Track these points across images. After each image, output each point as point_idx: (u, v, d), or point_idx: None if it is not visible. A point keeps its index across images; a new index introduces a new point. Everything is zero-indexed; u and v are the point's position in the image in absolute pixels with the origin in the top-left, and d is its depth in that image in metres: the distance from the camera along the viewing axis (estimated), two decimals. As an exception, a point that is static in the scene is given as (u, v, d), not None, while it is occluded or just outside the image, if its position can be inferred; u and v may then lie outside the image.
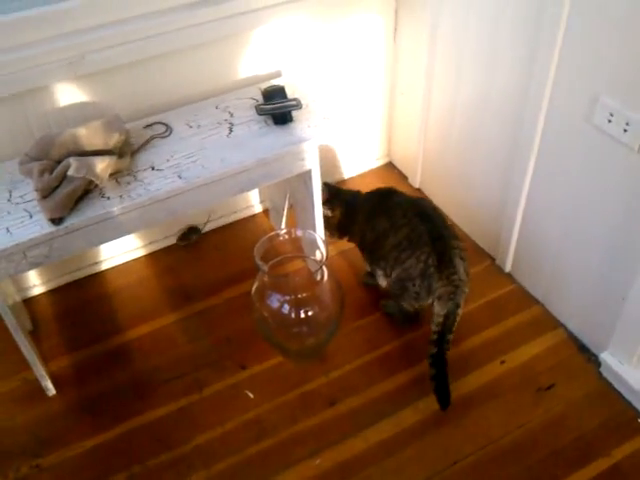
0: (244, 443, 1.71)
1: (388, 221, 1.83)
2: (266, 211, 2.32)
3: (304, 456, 1.68)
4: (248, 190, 1.75)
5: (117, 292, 2.11)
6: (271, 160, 1.69)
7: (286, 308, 1.72)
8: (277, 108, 1.75)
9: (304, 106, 1.78)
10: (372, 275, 1.96)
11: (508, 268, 2.07)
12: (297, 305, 1.72)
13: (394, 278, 1.83)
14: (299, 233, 1.72)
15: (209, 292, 2.07)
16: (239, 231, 2.27)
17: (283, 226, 2.14)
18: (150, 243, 2.19)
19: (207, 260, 2.18)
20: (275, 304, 1.72)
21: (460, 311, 1.74)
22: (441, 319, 1.72)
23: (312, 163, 1.76)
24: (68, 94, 1.76)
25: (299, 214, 2.02)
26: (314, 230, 1.88)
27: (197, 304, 2.04)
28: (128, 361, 1.91)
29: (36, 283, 2.07)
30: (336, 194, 1.98)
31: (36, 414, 1.80)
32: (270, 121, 1.77)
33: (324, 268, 1.71)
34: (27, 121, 1.74)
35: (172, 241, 2.23)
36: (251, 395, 1.81)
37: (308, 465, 1.66)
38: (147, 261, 2.19)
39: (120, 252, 2.15)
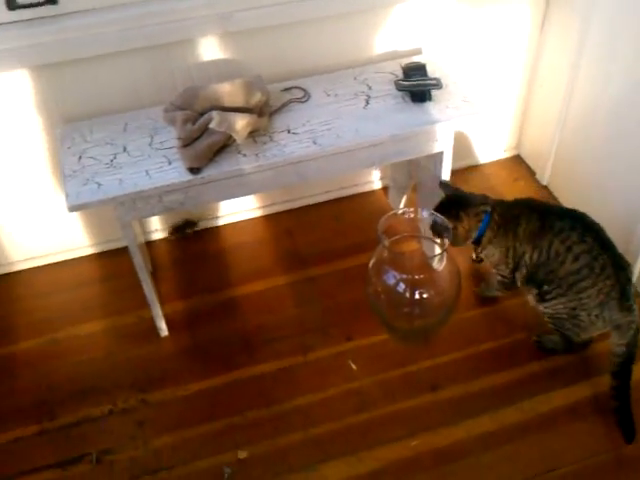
0: (344, 412, 1.73)
1: (562, 244, 1.66)
2: (385, 188, 2.31)
3: (401, 435, 1.68)
4: (378, 164, 1.75)
5: (234, 248, 2.16)
6: (405, 137, 1.68)
7: (401, 287, 1.71)
8: (417, 85, 1.73)
9: (444, 86, 1.75)
10: (488, 287, 1.91)
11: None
12: (413, 285, 1.71)
13: (563, 305, 1.70)
14: (425, 214, 1.70)
15: (323, 260, 2.09)
16: (356, 205, 2.27)
17: (402, 205, 2.13)
18: (272, 204, 2.23)
19: (324, 229, 2.20)
20: (391, 281, 1.72)
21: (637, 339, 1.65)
22: (623, 349, 1.64)
23: (445, 145, 1.74)
24: (212, 50, 1.80)
25: (422, 196, 2.00)
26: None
27: (310, 270, 2.06)
28: (237, 315, 1.97)
29: (158, 228, 2.16)
30: (458, 201, 1.76)
31: (148, 351, 1.89)
32: (408, 98, 1.75)
33: (444, 253, 1.69)
34: (171, 72, 1.80)
35: (293, 205, 2.26)
36: (354, 366, 1.82)
37: (404, 445, 1.66)
38: (266, 222, 2.23)
39: (241, 209, 2.20)
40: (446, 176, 1.80)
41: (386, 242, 1.65)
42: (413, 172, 2.02)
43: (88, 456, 1.67)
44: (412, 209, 1.71)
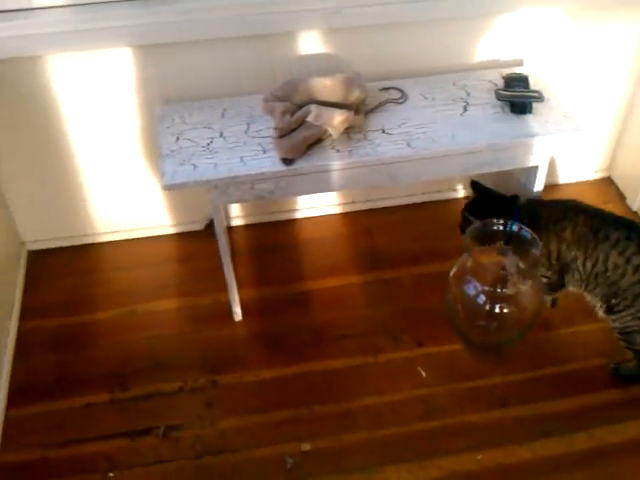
0: (410, 417, 1.72)
1: (620, 256, 1.62)
2: (468, 197, 2.28)
3: (466, 447, 1.66)
4: (470, 172, 1.73)
5: (311, 242, 2.18)
6: (502, 147, 1.66)
7: (481, 299, 1.69)
8: (518, 96, 1.71)
9: (545, 100, 1.72)
10: None
11: None
12: (493, 299, 1.69)
13: (631, 316, 1.66)
14: (515, 227, 1.67)
15: (399, 263, 2.08)
16: (438, 211, 2.25)
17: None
18: (353, 202, 2.23)
19: (403, 231, 2.19)
20: (471, 291, 1.70)
21: None
22: None
23: (541, 160, 1.70)
24: (314, 44, 1.81)
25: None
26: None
27: (385, 271, 2.05)
28: (310, 308, 1.98)
29: (238, 215, 2.19)
30: (489, 202, 1.78)
31: (221, 334, 1.92)
32: (507, 108, 1.73)
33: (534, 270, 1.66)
34: (272, 62, 1.82)
35: (374, 205, 2.25)
36: (423, 373, 1.81)
37: (469, 458, 1.65)
38: (345, 219, 2.24)
39: (322, 204, 2.21)
40: (539, 191, 1.77)
41: (472, 251, 1.63)
42: (502, 184, 1.99)
43: (156, 430, 1.71)
44: (501, 221, 1.68)
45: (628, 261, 1.62)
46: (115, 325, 1.95)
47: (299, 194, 1.66)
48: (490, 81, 1.82)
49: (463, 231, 1.76)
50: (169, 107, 1.78)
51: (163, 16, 1.67)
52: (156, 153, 1.87)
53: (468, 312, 1.74)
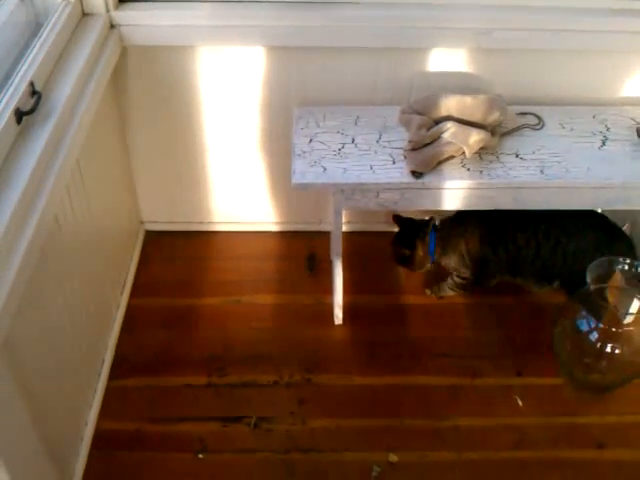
0: (501, 444, 1.71)
1: (524, 233, 1.81)
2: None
3: (557, 484, 1.63)
4: (599, 207, 1.70)
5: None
6: (637, 186, 1.62)
7: (594, 336, 1.66)
8: (660, 136, 1.67)
9: (688, 143, 1.68)
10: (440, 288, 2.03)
11: None
12: (606, 337, 1.65)
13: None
14: (640, 268, 1.64)
15: (508, 289, 2.04)
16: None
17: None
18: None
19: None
20: (584, 327, 1.67)
21: None
22: None
23: (676, 203, 1.66)
24: (457, 62, 1.82)
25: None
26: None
27: (492, 296, 2.04)
28: (412, 322, 1.99)
29: (350, 220, 2.22)
30: (411, 230, 1.93)
31: (320, 335, 1.95)
32: (647, 147, 1.69)
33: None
34: (411, 76, 1.84)
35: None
36: (520, 403, 1.79)
37: (560, 494, 1.62)
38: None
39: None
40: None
41: (592, 287, 1.60)
42: (628, 222, 1.95)
43: (248, 419, 1.75)
44: (627, 260, 1.65)
45: (535, 234, 1.80)
46: (220, 312, 2.01)
47: (423, 207, 1.67)
48: (632, 118, 1.79)
49: (397, 262, 1.98)
50: (305, 109, 1.82)
51: (311, 21, 1.70)
52: (281, 152, 1.94)
53: (577, 348, 1.71)
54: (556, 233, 1.79)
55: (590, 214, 1.82)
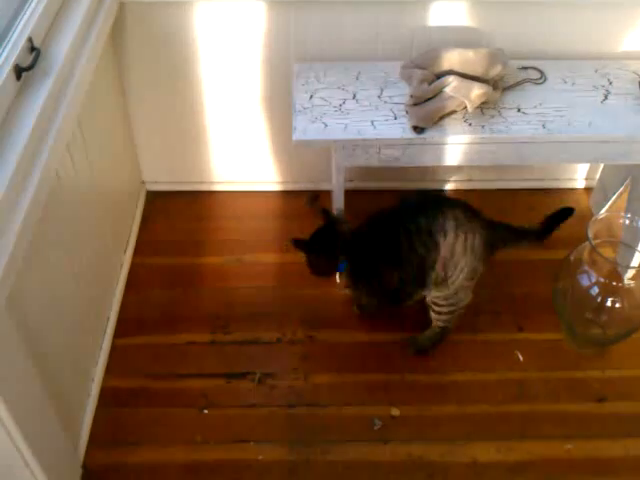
0: (502, 398, 1.73)
1: (406, 240, 1.61)
2: (587, 189, 2.24)
3: (556, 435, 1.66)
4: (602, 162, 1.71)
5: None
6: (639, 140, 1.62)
7: (595, 290, 1.67)
8: (663, 90, 1.66)
9: (692, 97, 1.67)
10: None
11: None
12: (607, 292, 1.66)
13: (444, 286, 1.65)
14: (640, 223, 1.65)
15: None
16: (553, 199, 2.21)
17: (605, 210, 2.05)
18: (469, 180, 2.23)
19: (516, 216, 2.08)
20: (585, 282, 1.68)
21: None
22: None
23: (678, 157, 1.66)
24: (457, 15, 1.80)
25: (634, 203, 1.91)
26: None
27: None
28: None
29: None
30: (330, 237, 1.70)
31: (322, 293, 1.96)
32: (650, 100, 1.68)
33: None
34: (412, 30, 1.82)
35: (488, 185, 2.23)
36: (521, 358, 1.81)
37: (558, 446, 1.64)
38: (459, 195, 2.19)
39: (434, 179, 2.22)
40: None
41: (593, 242, 1.60)
42: (630, 178, 1.94)
43: (252, 375, 1.77)
44: (628, 214, 1.65)
45: (409, 237, 1.60)
46: (222, 271, 2.02)
47: (425, 163, 1.66)
48: (634, 72, 1.78)
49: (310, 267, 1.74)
50: (305, 65, 1.81)
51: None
52: (282, 110, 1.93)
53: (578, 302, 1.72)
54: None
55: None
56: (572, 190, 2.25)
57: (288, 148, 2.05)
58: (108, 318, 1.85)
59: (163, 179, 2.22)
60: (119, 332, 1.86)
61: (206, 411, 1.71)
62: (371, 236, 1.67)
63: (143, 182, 2.23)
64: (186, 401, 1.72)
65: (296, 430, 1.67)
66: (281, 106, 1.94)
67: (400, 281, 1.68)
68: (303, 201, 2.18)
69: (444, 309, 1.71)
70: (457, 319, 1.76)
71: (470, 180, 2.22)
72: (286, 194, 2.25)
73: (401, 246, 1.61)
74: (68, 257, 1.55)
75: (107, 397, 1.72)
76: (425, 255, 1.60)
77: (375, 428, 1.68)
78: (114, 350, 1.82)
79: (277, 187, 2.24)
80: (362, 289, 1.77)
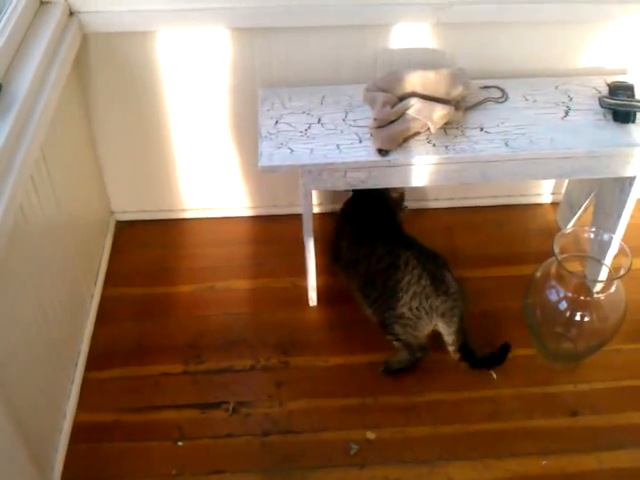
0: (476, 417, 1.73)
1: (368, 249, 1.79)
2: (554, 204, 2.26)
3: (531, 452, 1.66)
4: (565, 178, 1.73)
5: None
6: (601, 155, 1.65)
7: (563, 305, 1.68)
8: (623, 105, 1.69)
9: (651, 111, 1.70)
10: None
11: None
12: (575, 307, 1.67)
13: (387, 308, 1.75)
14: (605, 237, 1.67)
15: (478, 263, 2.08)
16: (521, 215, 2.24)
17: (571, 224, 2.08)
18: (435, 199, 2.25)
19: (485, 233, 2.19)
20: (553, 297, 1.69)
21: (464, 323, 1.72)
22: (453, 337, 1.71)
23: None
24: (418, 37, 1.82)
25: (599, 217, 1.94)
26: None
27: (463, 270, 2.01)
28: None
29: (315, 203, 2.21)
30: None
31: (295, 317, 1.96)
32: (609, 116, 1.71)
33: (619, 280, 1.64)
34: (375, 53, 1.84)
35: (457, 203, 2.26)
36: (494, 375, 1.81)
37: (534, 462, 1.64)
38: (427, 215, 2.24)
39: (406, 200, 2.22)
40: (632, 202, 1.75)
41: (560, 257, 1.62)
42: (594, 192, 1.97)
43: (226, 404, 1.75)
44: (592, 228, 1.67)
45: (372, 253, 1.77)
46: (194, 299, 2.00)
47: (390, 185, 1.68)
48: (594, 87, 1.81)
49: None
50: (270, 90, 1.81)
51: (272, 1, 1.70)
52: (249, 135, 1.93)
53: (547, 317, 1.73)
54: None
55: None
56: (539, 205, 2.28)
57: (257, 173, 2.02)
58: (79, 352, 1.83)
59: (132, 208, 2.21)
60: (91, 365, 1.83)
61: (181, 443, 1.68)
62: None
63: (112, 212, 2.21)
64: (160, 434, 1.70)
65: (272, 458, 1.65)
66: (248, 132, 1.94)
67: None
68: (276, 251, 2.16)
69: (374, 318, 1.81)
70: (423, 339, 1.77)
71: (437, 199, 2.24)
72: (256, 219, 2.24)
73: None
74: (35, 292, 1.53)
75: (80, 432, 1.70)
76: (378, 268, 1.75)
77: (351, 452, 1.67)
78: (86, 384, 1.79)
79: (247, 212, 2.24)
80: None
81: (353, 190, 1.92)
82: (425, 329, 1.75)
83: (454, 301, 1.71)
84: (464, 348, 1.73)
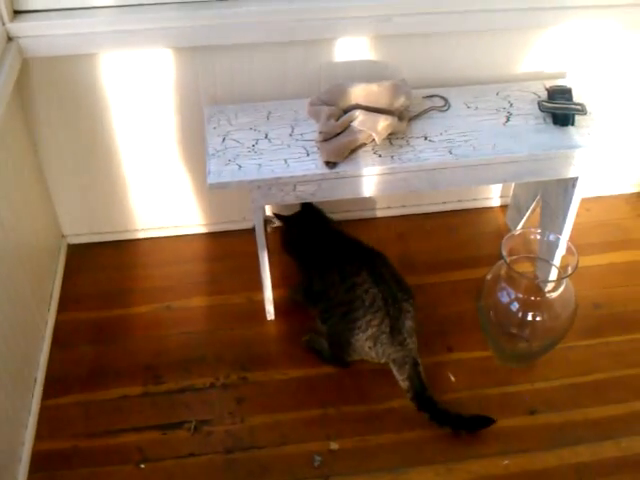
0: (437, 421, 1.74)
1: (338, 274, 1.78)
2: (503, 207, 2.31)
3: (493, 452, 1.67)
4: (510, 182, 1.77)
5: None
6: (542, 158, 1.68)
7: (515, 306, 1.71)
8: (561, 108, 1.74)
9: (588, 113, 1.75)
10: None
11: None
12: (526, 307, 1.70)
13: (339, 331, 1.77)
14: (552, 238, 1.70)
15: (432, 269, 2.10)
16: (472, 219, 2.28)
17: (520, 226, 2.12)
18: (387, 207, 2.27)
19: (437, 238, 2.22)
20: (505, 299, 1.72)
21: (420, 367, 1.71)
22: (407, 383, 1.71)
23: (582, 171, 1.73)
24: (360, 50, 1.84)
25: (546, 218, 1.98)
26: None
27: (417, 277, 2.05)
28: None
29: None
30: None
31: (252, 332, 1.95)
32: (549, 119, 1.75)
33: (568, 279, 1.68)
34: (319, 67, 1.86)
35: (409, 211, 2.29)
36: (453, 378, 1.83)
37: (495, 463, 1.66)
38: (379, 224, 2.27)
39: (356, 209, 2.25)
40: (576, 202, 1.79)
41: (508, 259, 1.65)
42: (540, 194, 2.01)
43: (187, 424, 1.74)
44: (539, 230, 1.71)
45: (343, 280, 1.76)
46: (151, 320, 1.99)
47: (340, 197, 1.69)
48: (533, 92, 1.85)
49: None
50: (216, 108, 1.82)
51: (212, 19, 1.71)
52: (198, 153, 1.94)
53: (500, 319, 1.76)
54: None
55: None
56: (489, 209, 2.32)
57: (207, 190, 2.05)
58: (35, 379, 1.80)
59: (84, 231, 2.18)
60: (48, 392, 1.81)
61: (143, 466, 1.67)
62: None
63: (63, 236, 2.19)
64: (122, 457, 1.68)
65: (236, 475, 1.64)
66: (196, 150, 1.95)
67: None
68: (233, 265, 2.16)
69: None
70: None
71: (389, 207, 2.26)
72: (210, 235, 2.24)
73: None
74: (-17, 321, 1.50)
75: (39, 461, 1.67)
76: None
77: (315, 464, 1.67)
78: (44, 411, 1.77)
79: (200, 229, 2.24)
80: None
81: (284, 218, 1.95)
82: (365, 358, 1.79)
83: (408, 351, 1.72)
84: (420, 397, 1.70)
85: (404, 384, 1.72)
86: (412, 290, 1.80)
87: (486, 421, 1.68)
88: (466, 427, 1.69)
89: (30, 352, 1.81)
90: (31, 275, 1.86)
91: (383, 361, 1.75)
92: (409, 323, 1.73)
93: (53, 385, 1.82)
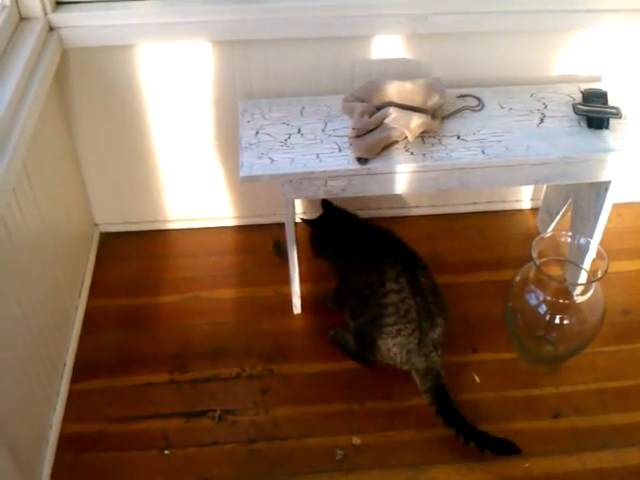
0: (460, 421, 1.74)
1: (377, 276, 1.73)
2: (533, 209, 2.30)
3: (515, 454, 1.67)
4: (542, 183, 1.76)
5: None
6: (575, 161, 1.67)
7: (543, 309, 1.70)
8: (596, 112, 1.73)
9: (623, 117, 1.73)
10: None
11: None
12: (554, 310, 1.70)
13: (367, 331, 1.77)
14: (582, 241, 1.69)
15: (460, 269, 2.10)
16: (502, 221, 2.27)
17: (551, 229, 2.11)
18: (417, 207, 2.27)
19: (466, 239, 2.21)
20: (533, 301, 1.71)
21: (444, 380, 1.71)
22: (430, 395, 1.70)
23: (615, 176, 1.72)
24: (395, 48, 1.85)
25: (577, 222, 1.97)
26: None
27: (445, 276, 2.03)
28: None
29: (298, 211, 2.24)
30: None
31: (279, 325, 1.97)
32: (584, 123, 1.74)
33: (597, 283, 1.67)
34: (352, 64, 1.87)
35: (438, 210, 2.29)
36: (477, 379, 1.83)
37: (517, 464, 1.65)
38: (408, 222, 2.26)
39: (385, 206, 2.25)
40: (608, 207, 1.78)
41: (537, 261, 1.64)
42: (572, 197, 2.00)
43: (212, 412, 1.76)
44: (569, 233, 1.70)
45: (382, 284, 1.72)
46: (178, 309, 2.02)
47: (370, 193, 1.70)
48: (568, 95, 1.84)
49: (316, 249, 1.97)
50: (250, 102, 1.84)
51: (251, 14, 1.73)
52: (230, 146, 1.96)
53: (527, 321, 1.75)
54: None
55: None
56: (519, 211, 2.31)
57: (239, 183, 2.07)
58: (65, 363, 1.83)
59: (116, 220, 2.22)
60: (76, 377, 1.84)
61: (167, 452, 1.69)
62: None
63: (96, 224, 2.23)
64: (146, 443, 1.71)
65: (258, 465, 1.66)
66: (230, 143, 1.97)
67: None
68: (270, 248, 2.18)
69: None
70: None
71: (418, 206, 2.26)
72: (239, 228, 2.26)
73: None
74: (19, 305, 1.54)
75: (66, 443, 1.70)
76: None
77: (337, 458, 1.68)
78: (72, 395, 1.80)
79: (230, 222, 2.26)
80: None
81: (311, 222, 1.96)
82: (389, 362, 1.78)
83: (432, 363, 1.72)
84: (444, 411, 1.68)
85: (426, 396, 1.72)
86: (446, 304, 1.78)
87: (511, 448, 1.65)
88: (491, 448, 1.65)
89: (60, 337, 1.84)
90: (64, 261, 1.90)
91: (406, 368, 1.75)
92: (438, 337, 1.73)
93: (81, 370, 1.86)
